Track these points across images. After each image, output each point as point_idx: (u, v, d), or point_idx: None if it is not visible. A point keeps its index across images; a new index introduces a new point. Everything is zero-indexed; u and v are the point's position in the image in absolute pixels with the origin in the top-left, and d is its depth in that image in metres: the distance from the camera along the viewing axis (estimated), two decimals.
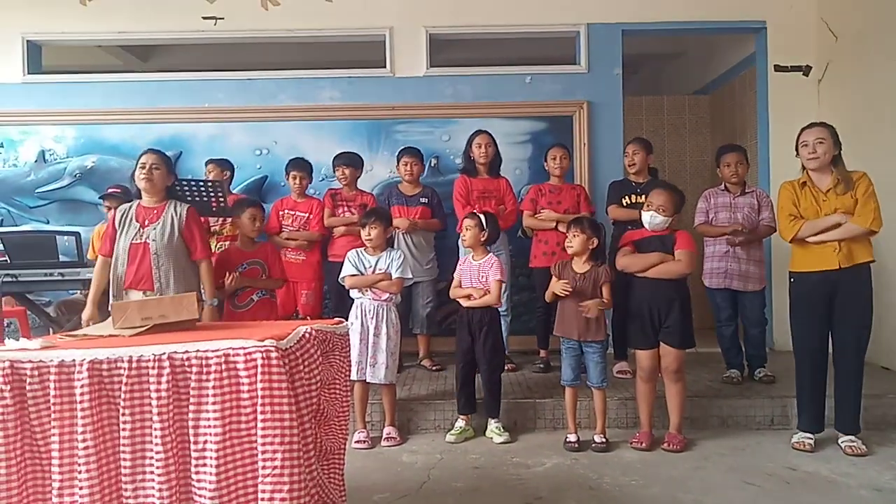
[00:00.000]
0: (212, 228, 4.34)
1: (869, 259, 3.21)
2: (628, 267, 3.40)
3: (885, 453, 3.23)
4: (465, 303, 3.57)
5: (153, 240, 3.29)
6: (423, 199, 4.42)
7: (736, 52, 5.72)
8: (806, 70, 5.01)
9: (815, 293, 3.24)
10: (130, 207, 3.39)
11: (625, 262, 3.42)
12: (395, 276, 3.51)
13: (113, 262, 3.33)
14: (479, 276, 3.56)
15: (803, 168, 3.30)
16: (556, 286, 3.37)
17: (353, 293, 3.59)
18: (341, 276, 3.61)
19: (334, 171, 4.48)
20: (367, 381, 3.48)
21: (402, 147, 4.58)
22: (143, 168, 3.32)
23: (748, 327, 4.10)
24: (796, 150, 3.29)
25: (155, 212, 3.36)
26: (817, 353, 3.27)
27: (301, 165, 4.41)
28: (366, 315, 3.51)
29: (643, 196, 3.77)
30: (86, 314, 3.33)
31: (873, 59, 4.45)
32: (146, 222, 3.33)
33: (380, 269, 3.53)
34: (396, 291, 3.56)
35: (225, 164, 4.54)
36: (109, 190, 4.49)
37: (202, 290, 3.41)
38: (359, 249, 3.67)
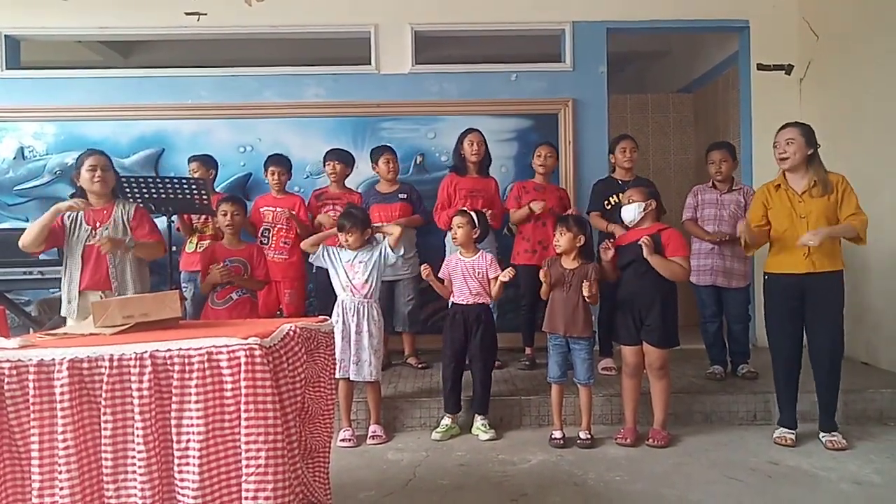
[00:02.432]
0: (195, 226, 4.31)
1: (837, 268, 3.21)
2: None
3: (865, 447, 3.27)
4: (455, 299, 3.55)
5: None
6: (401, 196, 4.39)
7: (720, 51, 5.76)
8: (788, 69, 5.06)
9: (785, 294, 3.26)
10: (77, 212, 3.33)
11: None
12: (391, 251, 3.55)
13: (65, 264, 3.28)
14: (475, 274, 3.54)
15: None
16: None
17: (337, 291, 3.56)
18: (312, 256, 3.62)
19: (324, 166, 4.46)
20: (352, 379, 3.47)
21: (378, 146, 4.53)
22: (94, 171, 3.26)
23: (731, 323, 4.13)
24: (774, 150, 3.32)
25: (104, 212, 3.32)
26: (790, 352, 3.29)
27: (279, 161, 4.39)
28: (347, 313, 3.49)
29: None
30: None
31: (855, 58, 4.50)
32: (97, 224, 3.29)
33: (360, 261, 3.52)
34: (397, 240, 3.55)
35: (209, 162, 4.50)
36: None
37: (129, 239, 3.29)
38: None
